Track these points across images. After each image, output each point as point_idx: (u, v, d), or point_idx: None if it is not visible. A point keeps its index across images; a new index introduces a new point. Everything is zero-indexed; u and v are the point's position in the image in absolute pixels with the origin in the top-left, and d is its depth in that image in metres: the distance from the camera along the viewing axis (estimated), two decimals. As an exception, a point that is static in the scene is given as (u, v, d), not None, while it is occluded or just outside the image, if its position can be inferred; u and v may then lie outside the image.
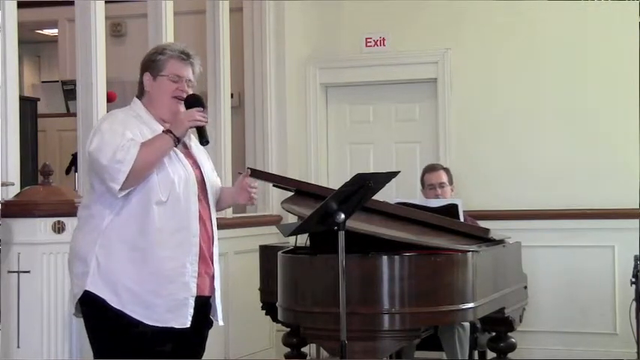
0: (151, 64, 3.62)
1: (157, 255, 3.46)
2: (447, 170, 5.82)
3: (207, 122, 3.60)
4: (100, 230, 3.46)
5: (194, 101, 3.63)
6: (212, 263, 3.65)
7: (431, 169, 5.85)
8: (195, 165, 3.64)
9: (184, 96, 3.61)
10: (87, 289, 3.46)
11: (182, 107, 3.62)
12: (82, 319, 3.60)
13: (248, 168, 6.14)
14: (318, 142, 7.38)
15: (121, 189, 3.40)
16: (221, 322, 3.75)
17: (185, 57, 3.62)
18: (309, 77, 7.39)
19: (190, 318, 3.53)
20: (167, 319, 3.49)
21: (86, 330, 3.59)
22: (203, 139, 3.62)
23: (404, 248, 4.23)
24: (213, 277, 3.66)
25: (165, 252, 3.47)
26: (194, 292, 3.54)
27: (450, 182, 5.78)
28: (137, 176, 3.41)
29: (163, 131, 3.53)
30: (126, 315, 3.45)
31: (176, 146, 3.53)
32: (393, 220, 4.61)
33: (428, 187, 5.76)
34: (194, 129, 3.59)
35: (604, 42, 6.75)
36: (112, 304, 3.44)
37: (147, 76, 3.62)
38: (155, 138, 3.49)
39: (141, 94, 3.65)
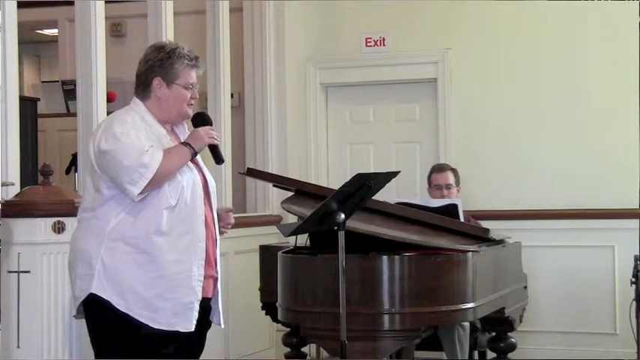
0: (164, 70, 3.55)
1: (164, 259, 3.46)
2: (454, 171, 5.82)
3: (219, 142, 3.67)
4: (104, 232, 3.45)
5: (201, 120, 3.67)
6: (216, 266, 3.65)
7: (439, 169, 5.85)
8: (199, 169, 3.65)
9: (193, 102, 3.64)
10: (92, 291, 3.45)
11: (191, 111, 3.65)
12: (82, 320, 3.60)
13: (247, 168, 6.18)
14: (318, 142, 7.38)
15: (140, 193, 3.40)
16: (222, 325, 3.75)
17: (197, 65, 3.62)
18: (309, 77, 7.39)
19: (195, 321, 3.53)
20: (173, 322, 3.49)
21: (89, 331, 3.58)
22: (219, 160, 3.66)
23: (404, 248, 4.23)
24: (216, 279, 3.66)
25: (173, 256, 3.47)
26: (199, 295, 3.54)
27: (457, 184, 5.77)
28: (157, 183, 3.41)
29: (181, 143, 3.55)
30: (131, 318, 3.44)
31: (191, 160, 3.55)
32: (393, 220, 4.61)
33: (434, 187, 5.76)
34: (206, 148, 3.63)
35: (604, 42, 6.75)
36: (118, 307, 3.44)
37: (158, 81, 3.56)
38: (176, 148, 3.52)
39: (145, 95, 3.60)
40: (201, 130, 3.60)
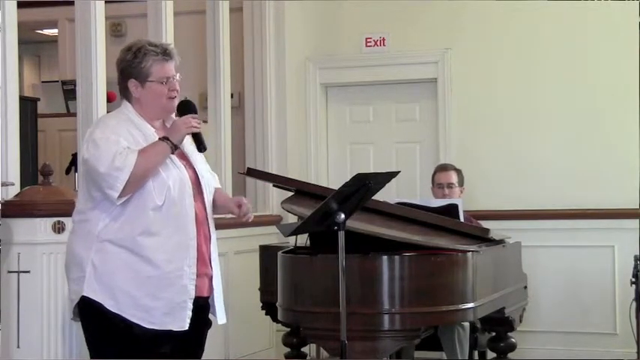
0: (135, 71, 3.56)
1: (155, 259, 3.45)
2: (458, 171, 5.84)
3: (201, 128, 3.60)
4: (94, 235, 3.45)
5: (185, 108, 3.64)
6: (210, 263, 3.63)
7: (442, 168, 5.89)
8: (189, 165, 3.62)
9: (176, 94, 3.61)
10: (84, 294, 3.45)
11: (174, 104, 3.62)
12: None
13: (247, 168, 6.19)
14: (318, 142, 7.38)
15: (120, 196, 3.39)
16: (223, 320, 3.73)
17: (167, 57, 3.59)
18: (309, 77, 7.38)
19: (189, 320, 3.52)
20: (165, 322, 3.48)
21: (84, 333, 3.58)
22: (201, 146, 3.63)
23: (404, 248, 4.23)
24: (211, 277, 3.65)
25: (163, 255, 3.46)
26: (192, 294, 3.53)
27: (460, 184, 5.79)
28: (135, 183, 3.40)
29: (160, 138, 3.51)
30: (124, 319, 3.44)
31: (173, 153, 3.52)
32: (393, 220, 4.61)
33: (437, 186, 5.79)
34: (189, 136, 3.59)
35: (604, 42, 6.75)
36: (110, 309, 3.44)
37: (133, 83, 3.57)
38: (153, 145, 3.48)
39: (127, 98, 3.61)
40: (179, 120, 3.56)
